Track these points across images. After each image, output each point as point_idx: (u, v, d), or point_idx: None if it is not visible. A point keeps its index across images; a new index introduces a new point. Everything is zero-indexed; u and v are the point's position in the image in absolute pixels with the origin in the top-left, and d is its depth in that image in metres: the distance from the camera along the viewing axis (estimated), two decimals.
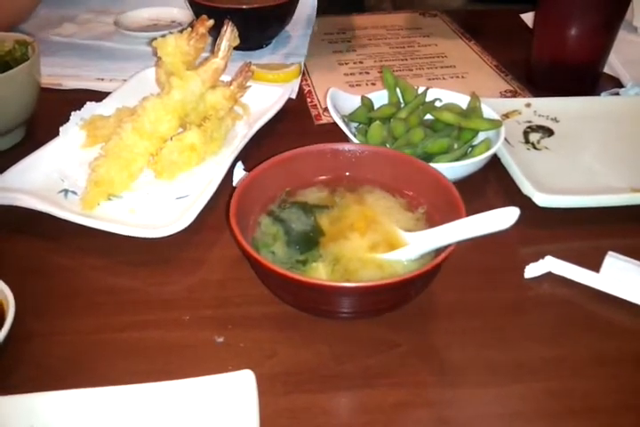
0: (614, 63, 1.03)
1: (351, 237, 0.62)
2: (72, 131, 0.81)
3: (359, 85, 1.04)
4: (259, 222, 0.64)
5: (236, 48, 0.84)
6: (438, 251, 0.56)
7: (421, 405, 0.53)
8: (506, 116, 0.88)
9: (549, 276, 0.65)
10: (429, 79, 1.05)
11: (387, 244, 0.61)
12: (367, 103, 0.85)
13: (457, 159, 0.74)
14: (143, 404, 0.50)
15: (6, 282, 0.58)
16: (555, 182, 0.75)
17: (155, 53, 0.83)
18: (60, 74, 1.02)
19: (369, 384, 0.55)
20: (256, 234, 0.63)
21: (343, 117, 0.81)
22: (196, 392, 0.50)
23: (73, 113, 0.82)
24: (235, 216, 0.57)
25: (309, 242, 0.62)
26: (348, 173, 0.69)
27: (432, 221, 0.63)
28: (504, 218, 0.51)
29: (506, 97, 0.99)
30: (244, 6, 1.02)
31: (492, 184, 0.79)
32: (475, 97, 0.83)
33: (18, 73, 0.79)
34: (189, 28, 0.82)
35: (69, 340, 0.59)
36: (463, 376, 0.56)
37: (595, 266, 0.64)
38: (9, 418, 0.49)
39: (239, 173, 0.72)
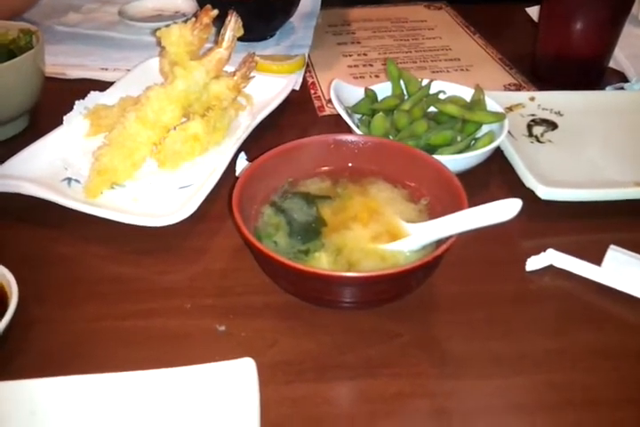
0: (619, 57, 1.03)
1: (353, 228, 0.61)
2: (76, 120, 0.81)
3: (363, 77, 1.04)
4: (261, 212, 0.64)
5: (240, 39, 0.83)
6: (440, 242, 0.56)
7: (422, 395, 0.53)
8: (510, 109, 0.88)
9: (551, 269, 0.65)
10: (433, 72, 1.05)
11: (389, 234, 0.61)
12: (371, 95, 0.84)
13: (460, 151, 0.74)
14: (144, 391, 0.50)
15: (10, 270, 0.59)
16: (558, 176, 0.75)
17: (159, 43, 0.82)
18: (64, 63, 1.02)
19: (370, 374, 0.55)
20: (258, 224, 0.63)
21: (347, 109, 0.81)
22: (197, 380, 0.50)
23: (77, 102, 0.82)
24: (237, 206, 0.58)
25: (311, 232, 0.62)
26: (350, 164, 0.69)
27: (434, 212, 0.63)
28: (506, 209, 0.51)
29: (510, 90, 0.99)
30: None
31: (494, 177, 0.79)
32: (479, 90, 0.82)
33: (22, 61, 0.79)
34: (193, 19, 0.82)
35: (72, 327, 0.59)
36: (464, 367, 0.56)
37: (596, 259, 0.64)
38: (10, 404, 0.49)
39: (242, 163, 0.72)
